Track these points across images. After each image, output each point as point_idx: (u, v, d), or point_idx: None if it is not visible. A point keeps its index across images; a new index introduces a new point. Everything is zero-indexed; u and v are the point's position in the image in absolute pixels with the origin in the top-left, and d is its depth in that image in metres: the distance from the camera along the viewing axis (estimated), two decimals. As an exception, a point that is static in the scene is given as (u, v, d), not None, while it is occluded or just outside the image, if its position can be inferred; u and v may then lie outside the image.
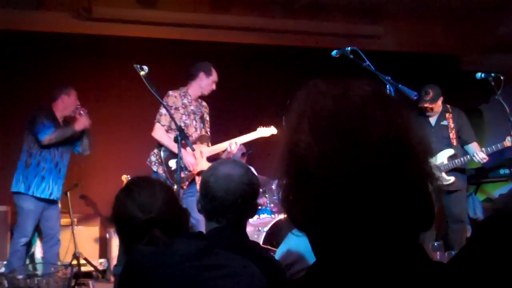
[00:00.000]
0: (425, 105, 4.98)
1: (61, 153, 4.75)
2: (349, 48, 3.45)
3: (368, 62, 3.38)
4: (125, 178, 5.26)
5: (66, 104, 4.78)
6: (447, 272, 0.79)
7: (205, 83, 4.66)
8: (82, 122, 4.75)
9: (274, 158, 0.82)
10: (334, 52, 3.52)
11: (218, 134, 5.00)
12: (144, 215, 1.61)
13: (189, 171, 4.53)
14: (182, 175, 4.27)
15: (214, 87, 4.70)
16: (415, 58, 7.22)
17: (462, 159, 4.91)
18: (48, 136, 4.56)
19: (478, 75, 4.41)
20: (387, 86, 3.28)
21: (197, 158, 4.61)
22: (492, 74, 4.36)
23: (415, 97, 3.32)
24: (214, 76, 4.68)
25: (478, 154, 4.86)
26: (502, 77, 4.32)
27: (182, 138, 3.69)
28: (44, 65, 6.07)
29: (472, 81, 4.57)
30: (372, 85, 0.81)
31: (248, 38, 6.88)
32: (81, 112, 4.78)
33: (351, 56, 3.42)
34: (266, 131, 4.95)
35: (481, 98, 7.30)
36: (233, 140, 4.74)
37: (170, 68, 6.09)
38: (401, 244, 0.78)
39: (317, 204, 0.76)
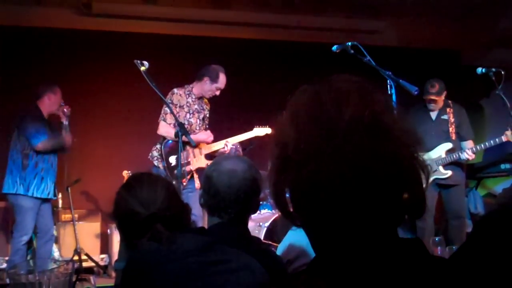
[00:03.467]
0: (431, 97, 4.96)
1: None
2: (349, 43, 3.44)
3: (368, 57, 3.37)
4: (126, 173, 5.26)
5: (52, 101, 4.80)
6: (450, 266, 0.79)
7: (207, 88, 4.66)
8: (69, 139, 4.82)
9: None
10: (334, 47, 3.51)
11: (216, 127, 5.01)
12: (145, 210, 1.62)
13: (187, 167, 4.55)
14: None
15: (217, 93, 4.69)
16: (416, 53, 7.21)
17: (458, 153, 4.92)
18: (42, 143, 4.59)
19: (479, 70, 4.40)
20: (388, 81, 3.27)
21: (196, 155, 4.65)
22: (493, 69, 4.34)
23: (416, 92, 3.31)
24: (219, 84, 4.65)
25: (467, 151, 4.86)
26: (503, 72, 4.31)
27: (183, 133, 3.71)
28: (44, 61, 6.06)
29: (473, 76, 4.56)
30: (353, 78, 0.83)
31: (248, 33, 6.87)
32: (65, 110, 4.82)
33: (352, 51, 3.41)
34: (261, 131, 5.03)
35: (482, 93, 7.30)
36: (230, 139, 4.83)
37: (170, 63, 6.09)
38: (392, 233, 0.77)
39: (297, 188, 0.79)
